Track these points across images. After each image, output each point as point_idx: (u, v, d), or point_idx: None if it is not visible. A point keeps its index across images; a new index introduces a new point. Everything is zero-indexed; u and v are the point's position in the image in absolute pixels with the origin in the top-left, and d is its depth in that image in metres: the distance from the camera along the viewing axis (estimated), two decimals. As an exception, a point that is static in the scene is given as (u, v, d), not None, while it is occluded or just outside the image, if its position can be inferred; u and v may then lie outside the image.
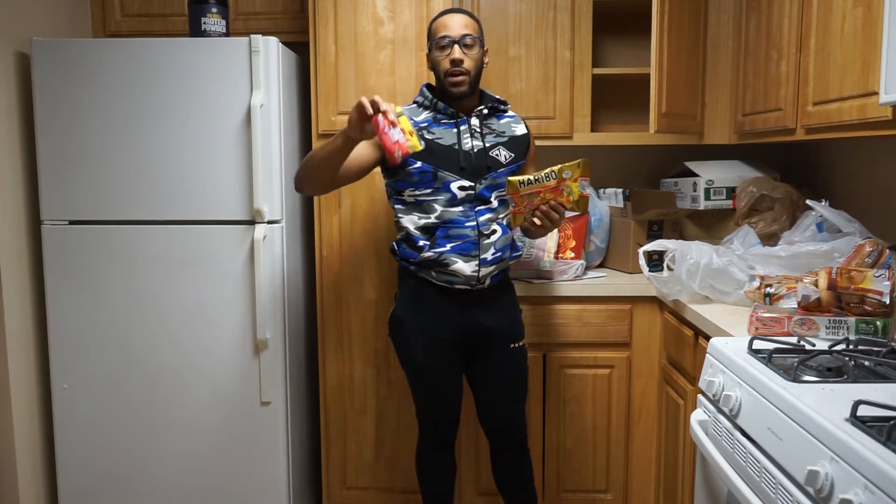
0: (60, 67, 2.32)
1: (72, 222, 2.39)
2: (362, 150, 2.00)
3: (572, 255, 2.61)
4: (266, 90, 2.31)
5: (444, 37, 1.99)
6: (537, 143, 2.65)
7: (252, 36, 2.29)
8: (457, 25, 2.00)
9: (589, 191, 1.91)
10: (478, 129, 2.07)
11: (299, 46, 2.68)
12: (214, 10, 2.43)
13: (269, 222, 2.37)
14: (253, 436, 2.44)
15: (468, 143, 2.05)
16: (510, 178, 1.92)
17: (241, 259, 2.37)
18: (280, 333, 2.42)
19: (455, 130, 2.05)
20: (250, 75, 2.30)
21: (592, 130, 2.70)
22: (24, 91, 2.42)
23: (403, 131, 1.79)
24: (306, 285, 2.70)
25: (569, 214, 2.60)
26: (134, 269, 2.39)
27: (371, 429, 2.62)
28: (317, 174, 1.96)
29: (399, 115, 1.79)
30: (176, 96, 2.33)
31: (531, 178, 1.91)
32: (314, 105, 2.51)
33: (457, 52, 1.98)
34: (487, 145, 2.06)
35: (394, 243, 2.13)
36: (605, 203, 2.79)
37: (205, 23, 2.42)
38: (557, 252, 2.59)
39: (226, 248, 2.37)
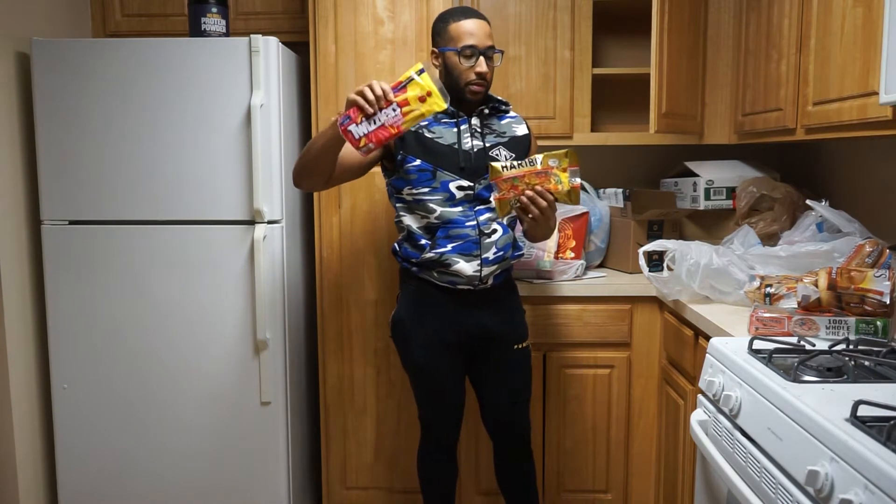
0: (60, 67, 2.32)
1: (72, 222, 2.39)
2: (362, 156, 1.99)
3: (572, 255, 2.61)
4: (266, 90, 2.31)
5: (471, 46, 1.95)
6: (537, 143, 2.65)
7: (252, 36, 2.29)
8: (482, 34, 1.97)
9: (579, 181, 1.86)
10: (478, 129, 2.06)
11: (299, 46, 2.68)
12: (214, 10, 2.43)
13: (269, 222, 2.37)
14: (253, 436, 2.44)
15: (468, 142, 2.04)
16: (493, 164, 1.87)
17: (241, 259, 2.37)
18: (280, 333, 2.42)
19: (455, 130, 2.04)
20: (250, 75, 2.30)
21: (592, 130, 2.70)
22: (24, 91, 2.42)
23: (407, 102, 1.72)
24: (306, 285, 2.70)
25: (568, 214, 2.61)
26: (134, 269, 2.39)
27: (371, 429, 2.62)
28: (314, 166, 1.94)
29: (409, 80, 1.73)
30: (176, 96, 2.33)
31: (514, 163, 1.86)
32: (314, 105, 2.51)
33: (484, 65, 1.97)
34: (487, 145, 2.05)
35: (395, 244, 2.13)
36: (605, 203, 2.79)
37: (205, 23, 2.42)
38: (557, 252, 2.59)
39: (226, 248, 2.37)
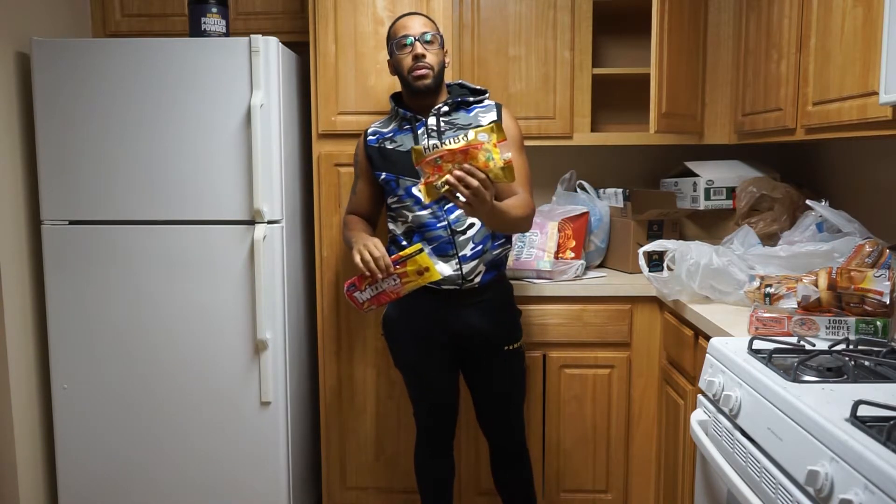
0: (60, 67, 2.32)
1: (72, 222, 2.39)
2: (366, 189, 2.16)
3: (572, 255, 2.61)
4: (266, 90, 2.31)
5: (405, 36, 2.01)
6: (537, 143, 2.66)
7: (252, 36, 2.29)
8: (416, 25, 2.02)
9: (510, 155, 1.74)
10: (435, 128, 2.06)
11: (299, 46, 2.68)
12: (214, 10, 2.43)
13: (269, 222, 2.37)
14: (253, 436, 2.44)
15: (425, 143, 2.05)
16: (414, 147, 1.76)
17: (241, 259, 2.37)
18: (280, 333, 2.42)
19: (412, 134, 2.06)
20: (250, 75, 2.30)
21: (592, 130, 2.70)
22: (24, 91, 2.42)
23: (406, 274, 1.90)
24: (306, 285, 2.70)
25: (569, 215, 2.60)
26: (134, 269, 2.39)
27: (371, 429, 2.62)
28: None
29: (409, 257, 1.89)
30: (176, 96, 2.33)
31: (436, 144, 1.88)
32: (314, 105, 2.51)
33: (418, 47, 2.00)
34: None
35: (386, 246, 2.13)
36: (605, 203, 2.78)
37: (205, 23, 2.42)
38: (557, 252, 2.59)
39: (226, 248, 2.37)
